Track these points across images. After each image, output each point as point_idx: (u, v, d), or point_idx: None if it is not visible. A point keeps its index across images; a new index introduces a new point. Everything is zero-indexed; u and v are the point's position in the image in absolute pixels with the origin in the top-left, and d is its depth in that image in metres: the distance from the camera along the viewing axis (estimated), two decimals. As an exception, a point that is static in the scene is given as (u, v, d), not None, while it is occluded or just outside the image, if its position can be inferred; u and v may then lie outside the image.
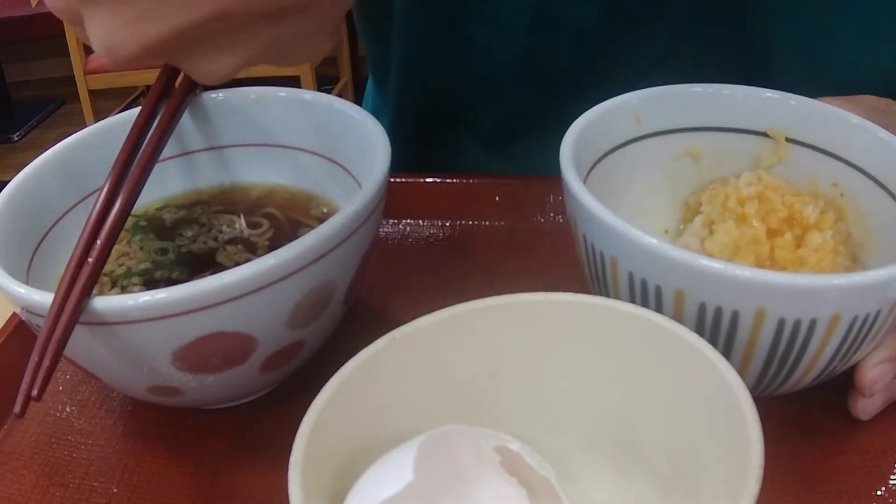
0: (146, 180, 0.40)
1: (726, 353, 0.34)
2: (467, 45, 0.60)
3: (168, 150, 0.45)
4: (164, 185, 0.49)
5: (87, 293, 0.34)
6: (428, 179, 0.58)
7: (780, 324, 0.33)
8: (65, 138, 0.46)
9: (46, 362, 0.33)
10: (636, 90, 0.45)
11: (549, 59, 0.58)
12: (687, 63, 0.51)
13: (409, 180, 0.58)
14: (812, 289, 0.33)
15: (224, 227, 0.47)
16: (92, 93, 2.56)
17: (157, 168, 0.41)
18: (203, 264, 0.45)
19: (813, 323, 0.33)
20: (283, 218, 0.48)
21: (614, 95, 0.44)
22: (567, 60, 0.58)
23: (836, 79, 0.53)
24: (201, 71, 0.32)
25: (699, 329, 0.35)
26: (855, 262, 0.42)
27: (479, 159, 0.66)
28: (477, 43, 0.59)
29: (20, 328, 0.45)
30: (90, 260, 0.36)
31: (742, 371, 0.34)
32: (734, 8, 0.54)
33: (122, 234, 0.39)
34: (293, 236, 0.38)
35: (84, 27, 0.29)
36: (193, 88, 0.47)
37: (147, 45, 0.28)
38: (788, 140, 0.45)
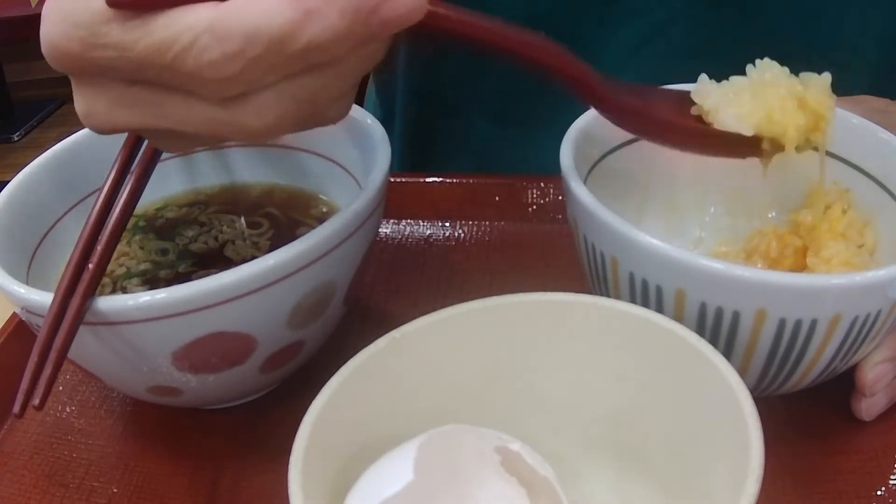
0: (147, 182, 0.40)
1: (727, 353, 0.34)
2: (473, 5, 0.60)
3: (168, 149, 0.45)
4: (165, 185, 0.49)
5: (86, 300, 0.34)
6: (428, 179, 0.58)
7: (781, 324, 0.33)
8: (65, 138, 0.46)
9: (48, 371, 0.33)
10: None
11: (551, 24, 0.58)
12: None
13: (409, 180, 0.58)
14: (813, 289, 0.33)
15: (224, 228, 0.47)
16: (92, 93, 2.55)
17: (157, 168, 0.41)
18: (209, 260, 0.45)
19: (814, 323, 0.33)
20: (283, 218, 0.48)
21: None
22: (567, 27, 0.58)
23: (827, 39, 0.53)
24: (161, 147, 0.37)
25: (700, 329, 0.35)
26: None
27: (485, 132, 0.65)
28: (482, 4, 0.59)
29: (20, 328, 0.45)
30: (90, 266, 0.36)
31: (743, 371, 0.34)
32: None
33: (122, 233, 0.39)
34: (293, 236, 0.38)
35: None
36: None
37: (113, 128, 0.31)
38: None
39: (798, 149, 0.39)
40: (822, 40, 0.54)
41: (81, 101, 0.31)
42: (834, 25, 0.55)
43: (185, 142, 0.33)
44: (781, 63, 0.40)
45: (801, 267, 0.41)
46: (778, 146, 0.39)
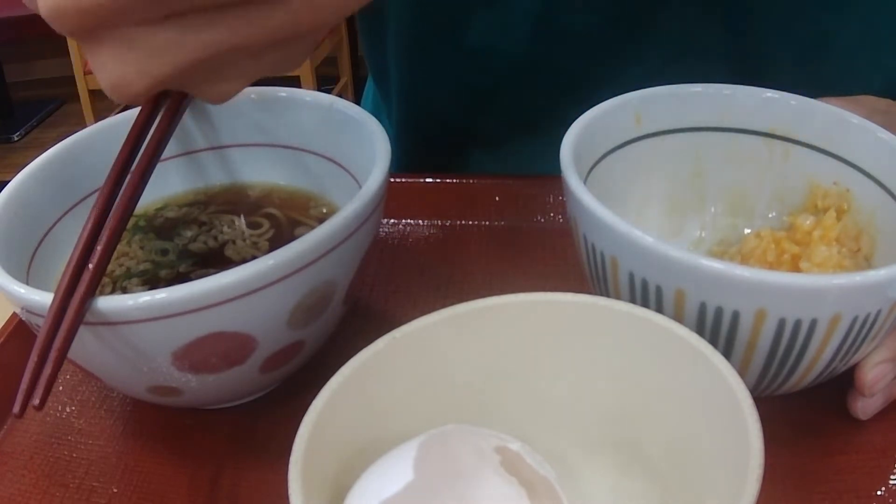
0: (147, 182, 0.40)
1: (727, 353, 0.34)
2: (469, 54, 0.60)
3: (168, 149, 0.45)
4: (165, 185, 0.49)
5: (86, 300, 0.34)
6: (428, 179, 0.58)
7: (781, 324, 0.33)
8: (65, 138, 0.46)
9: (48, 371, 0.32)
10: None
11: (551, 66, 0.59)
12: (686, 71, 0.52)
13: (409, 180, 0.58)
14: (812, 289, 0.33)
15: (224, 228, 0.47)
16: (92, 93, 2.56)
17: (157, 168, 0.41)
18: (209, 260, 0.45)
19: (813, 323, 0.33)
20: (283, 218, 0.48)
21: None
22: (569, 68, 0.58)
23: (835, 80, 0.53)
24: (207, 96, 0.32)
25: (700, 329, 0.35)
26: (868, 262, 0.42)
27: (481, 163, 0.66)
28: (479, 51, 0.59)
29: (20, 328, 0.45)
30: (90, 266, 0.35)
31: (742, 371, 0.34)
32: (730, 16, 0.54)
33: (122, 233, 0.39)
34: (293, 236, 0.38)
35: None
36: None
37: (154, 82, 0.27)
38: (788, 140, 0.45)
39: None
40: (830, 73, 0.54)
41: (108, 67, 0.26)
42: (841, 58, 0.55)
43: (237, 69, 0.28)
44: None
45: (796, 272, 0.41)
46: None
